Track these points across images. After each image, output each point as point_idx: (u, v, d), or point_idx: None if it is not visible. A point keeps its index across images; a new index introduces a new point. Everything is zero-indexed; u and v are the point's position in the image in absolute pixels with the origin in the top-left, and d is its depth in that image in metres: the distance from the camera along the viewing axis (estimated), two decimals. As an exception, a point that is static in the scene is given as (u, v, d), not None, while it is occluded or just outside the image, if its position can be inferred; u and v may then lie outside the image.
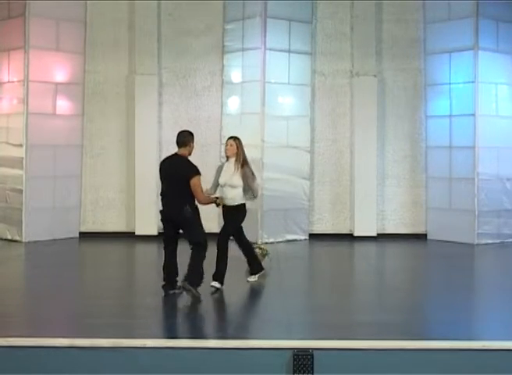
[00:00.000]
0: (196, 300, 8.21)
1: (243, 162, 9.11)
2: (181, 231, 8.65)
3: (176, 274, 8.62)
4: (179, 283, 8.45)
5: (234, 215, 9.17)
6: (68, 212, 13.67)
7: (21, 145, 13.12)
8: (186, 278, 8.27)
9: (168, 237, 8.71)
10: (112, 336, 6.57)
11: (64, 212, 13.58)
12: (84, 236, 13.76)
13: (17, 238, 13.15)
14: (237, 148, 9.11)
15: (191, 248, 8.46)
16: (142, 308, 8.27)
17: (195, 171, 8.44)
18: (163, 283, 8.63)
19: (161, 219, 8.72)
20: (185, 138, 8.62)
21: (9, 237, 13.27)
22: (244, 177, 9.07)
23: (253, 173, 9.30)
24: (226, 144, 9.20)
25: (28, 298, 8.83)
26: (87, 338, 6.50)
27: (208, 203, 8.79)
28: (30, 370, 6.18)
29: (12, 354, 6.28)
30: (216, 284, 8.89)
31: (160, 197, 8.72)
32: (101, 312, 7.80)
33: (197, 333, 7.16)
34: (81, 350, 6.31)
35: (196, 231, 8.50)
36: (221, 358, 6.26)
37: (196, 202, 8.56)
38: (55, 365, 6.22)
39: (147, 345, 6.36)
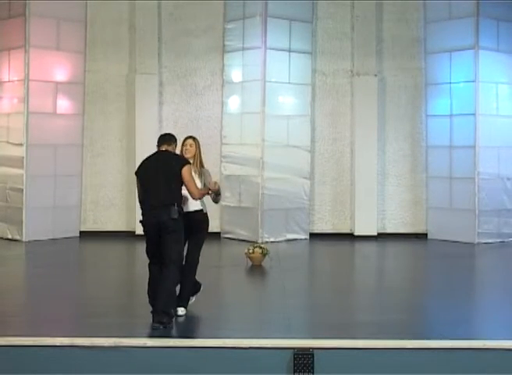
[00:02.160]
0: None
1: (201, 163, 7.92)
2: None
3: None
4: (156, 320, 6.97)
5: (204, 223, 7.85)
6: (68, 212, 13.67)
7: (21, 144, 13.12)
8: (163, 309, 7.00)
9: (154, 251, 7.32)
10: (113, 335, 6.56)
11: (64, 212, 13.58)
12: (85, 235, 13.77)
13: (17, 237, 13.15)
14: (196, 148, 7.94)
15: (166, 267, 7.15)
16: (142, 307, 8.25)
17: (186, 161, 7.45)
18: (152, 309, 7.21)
19: (145, 230, 7.35)
20: (169, 139, 7.56)
21: (10, 237, 13.27)
22: (204, 178, 7.86)
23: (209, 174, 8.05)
24: (185, 145, 7.92)
25: (28, 298, 8.83)
26: (88, 337, 6.49)
27: (202, 196, 7.57)
28: (30, 370, 6.18)
29: (12, 353, 6.28)
30: (183, 311, 7.67)
31: (141, 204, 7.46)
32: (102, 311, 7.80)
33: (197, 333, 7.16)
34: (82, 349, 6.30)
35: (179, 245, 7.29)
36: (221, 357, 6.26)
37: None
38: (55, 364, 6.21)
39: (147, 345, 6.36)
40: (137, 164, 13.51)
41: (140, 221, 7.41)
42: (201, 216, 7.78)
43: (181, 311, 7.56)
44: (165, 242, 7.18)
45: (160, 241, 7.22)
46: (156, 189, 7.28)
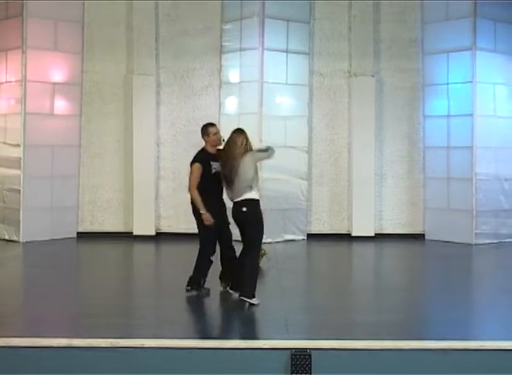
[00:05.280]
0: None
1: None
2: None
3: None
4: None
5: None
6: (66, 212, 13.66)
7: (19, 145, 13.11)
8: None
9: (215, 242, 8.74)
10: (110, 336, 6.56)
11: (62, 212, 13.57)
12: (82, 236, 13.76)
13: (15, 238, 13.14)
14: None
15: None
16: (140, 308, 8.26)
17: (193, 159, 8.55)
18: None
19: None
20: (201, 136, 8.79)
21: (7, 237, 13.26)
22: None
23: None
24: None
25: (26, 299, 8.82)
26: (85, 338, 6.49)
27: (193, 199, 8.46)
28: (28, 370, 6.18)
29: (10, 354, 6.28)
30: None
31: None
32: (99, 312, 7.79)
33: (195, 334, 7.16)
34: (79, 350, 6.30)
35: (199, 228, 8.55)
36: (219, 358, 6.26)
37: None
38: (53, 365, 6.22)
39: (145, 345, 6.36)
40: (135, 164, 13.81)
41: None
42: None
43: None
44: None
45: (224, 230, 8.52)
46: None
